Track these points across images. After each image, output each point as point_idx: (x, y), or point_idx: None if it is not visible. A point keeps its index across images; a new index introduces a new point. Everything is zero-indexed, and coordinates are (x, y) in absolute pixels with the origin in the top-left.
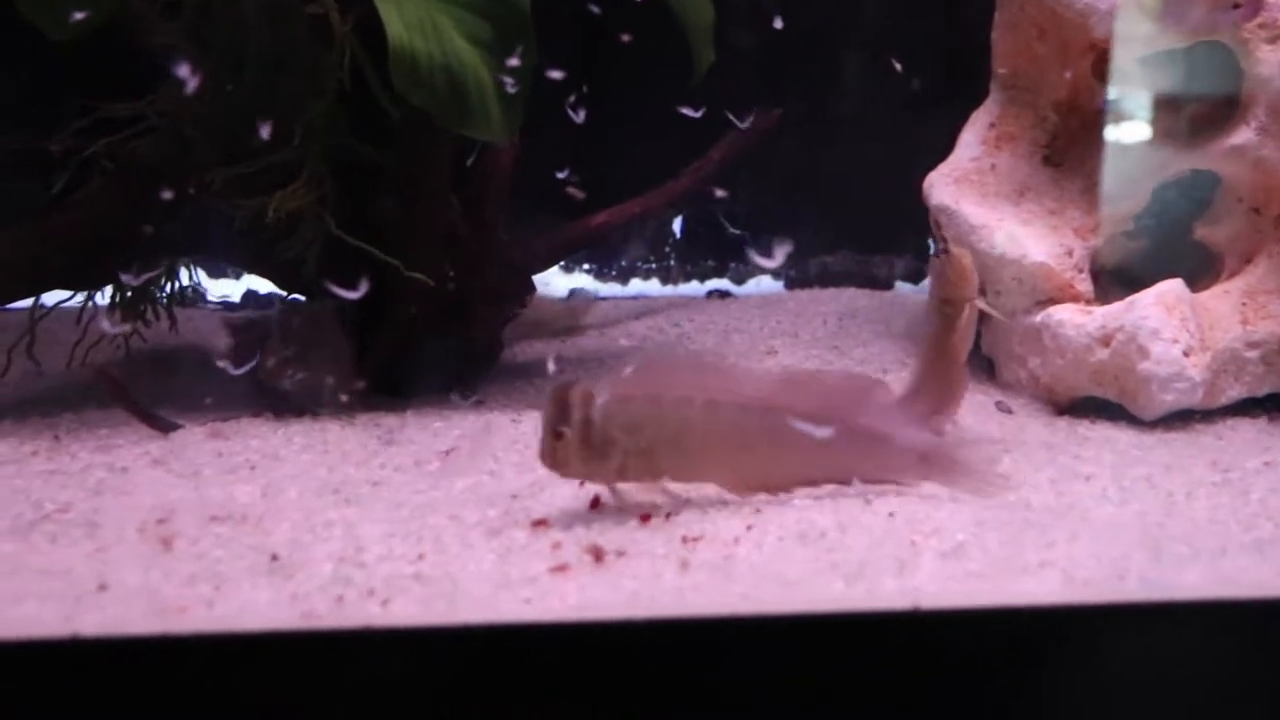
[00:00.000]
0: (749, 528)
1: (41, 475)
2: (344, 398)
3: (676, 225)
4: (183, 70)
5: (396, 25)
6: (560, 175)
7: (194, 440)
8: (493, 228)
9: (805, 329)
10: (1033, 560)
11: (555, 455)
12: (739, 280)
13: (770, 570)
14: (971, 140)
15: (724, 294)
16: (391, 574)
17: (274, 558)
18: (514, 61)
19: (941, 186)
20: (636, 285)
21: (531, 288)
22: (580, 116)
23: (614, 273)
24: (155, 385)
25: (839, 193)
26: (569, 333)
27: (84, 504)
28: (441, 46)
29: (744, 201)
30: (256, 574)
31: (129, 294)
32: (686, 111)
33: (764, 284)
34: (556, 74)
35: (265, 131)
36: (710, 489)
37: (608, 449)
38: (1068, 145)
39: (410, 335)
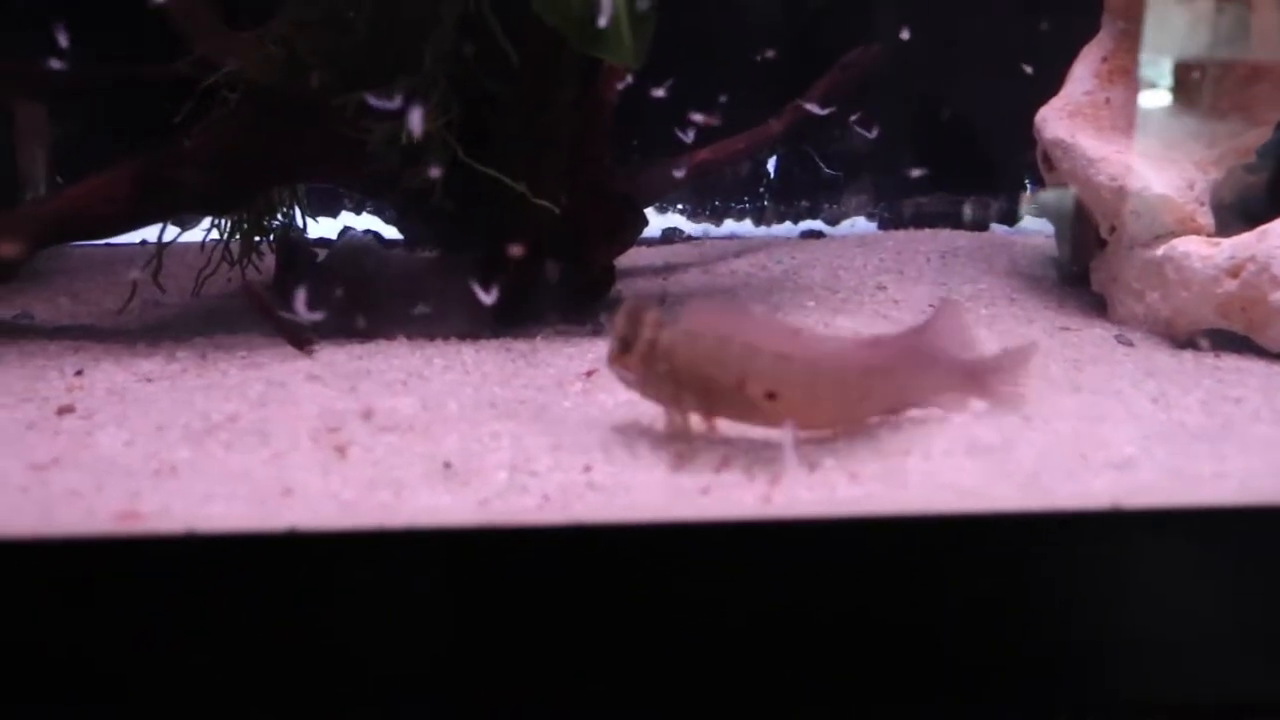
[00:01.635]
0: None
1: (199, 389)
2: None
3: (771, 165)
4: None
5: None
6: (695, 116)
7: (340, 359)
8: (602, 160)
9: (909, 266)
10: (1206, 471)
11: (618, 362)
12: (832, 221)
13: (943, 480)
14: (1084, 74)
15: (818, 234)
16: (565, 482)
17: (447, 465)
18: None
19: (1055, 121)
20: (730, 225)
21: (644, 220)
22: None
23: (707, 213)
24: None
25: (934, 134)
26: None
27: (250, 414)
28: None
29: (839, 142)
30: (433, 480)
31: (245, 225)
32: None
33: (858, 225)
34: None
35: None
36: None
37: (665, 376)
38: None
39: (533, 265)
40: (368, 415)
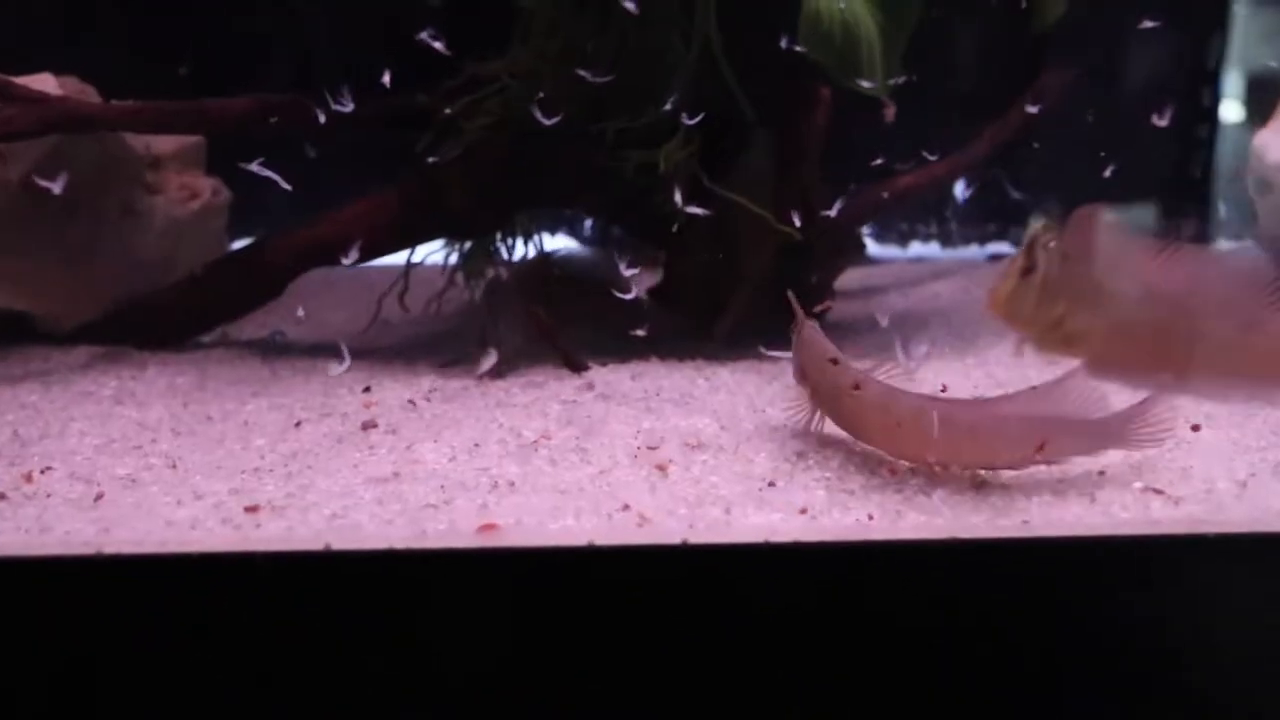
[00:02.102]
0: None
1: (492, 407)
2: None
3: (959, 189)
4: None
5: None
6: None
7: (614, 379)
8: (820, 185)
9: None
10: None
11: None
12: (1019, 243)
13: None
14: None
15: (1004, 257)
16: (884, 500)
17: (771, 484)
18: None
19: (1278, 146)
20: (916, 248)
21: (863, 245)
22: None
23: (894, 236)
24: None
25: (1122, 156)
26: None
27: (561, 433)
28: (841, 2)
29: (1029, 163)
30: (757, 498)
31: (474, 249)
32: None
33: None
34: None
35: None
36: None
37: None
38: None
39: (765, 288)
40: (676, 434)
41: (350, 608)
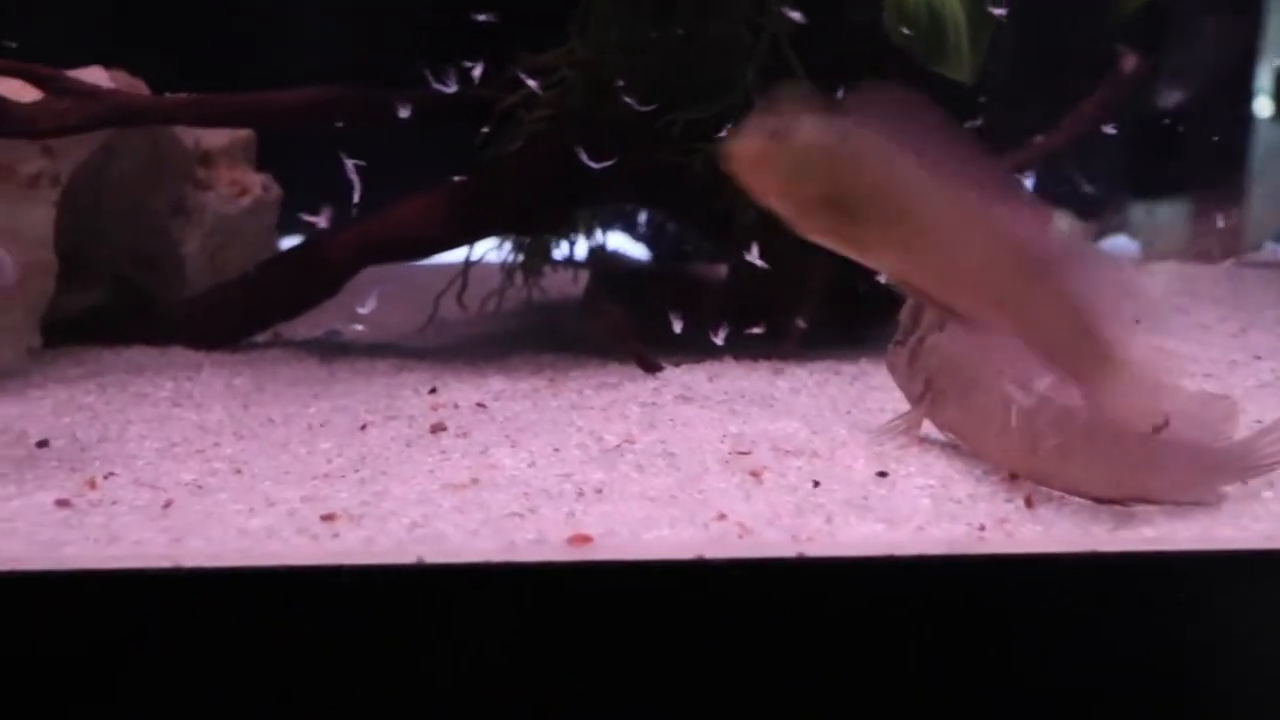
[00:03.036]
0: None
1: (566, 409)
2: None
3: (1028, 182)
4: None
5: None
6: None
7: (691, 380)
8: None
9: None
10: None
11: (889, 358)
12: (1094, 239)
13: None
14: None
15: None
16: (993, 510)
17: (872, 492)
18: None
19: None
20: None
21: None
22: None
23: None
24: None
25: (1194, 152)
26: None
27: (644, 437)
28: None
29: (1101, 158)
30: (859, 507)
31: (533, 246)
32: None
33: (1118, 244)
34: None
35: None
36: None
37: (918, 373)
38: None
39: (836, 287)
40: (766, 439)
41: (442, 624)
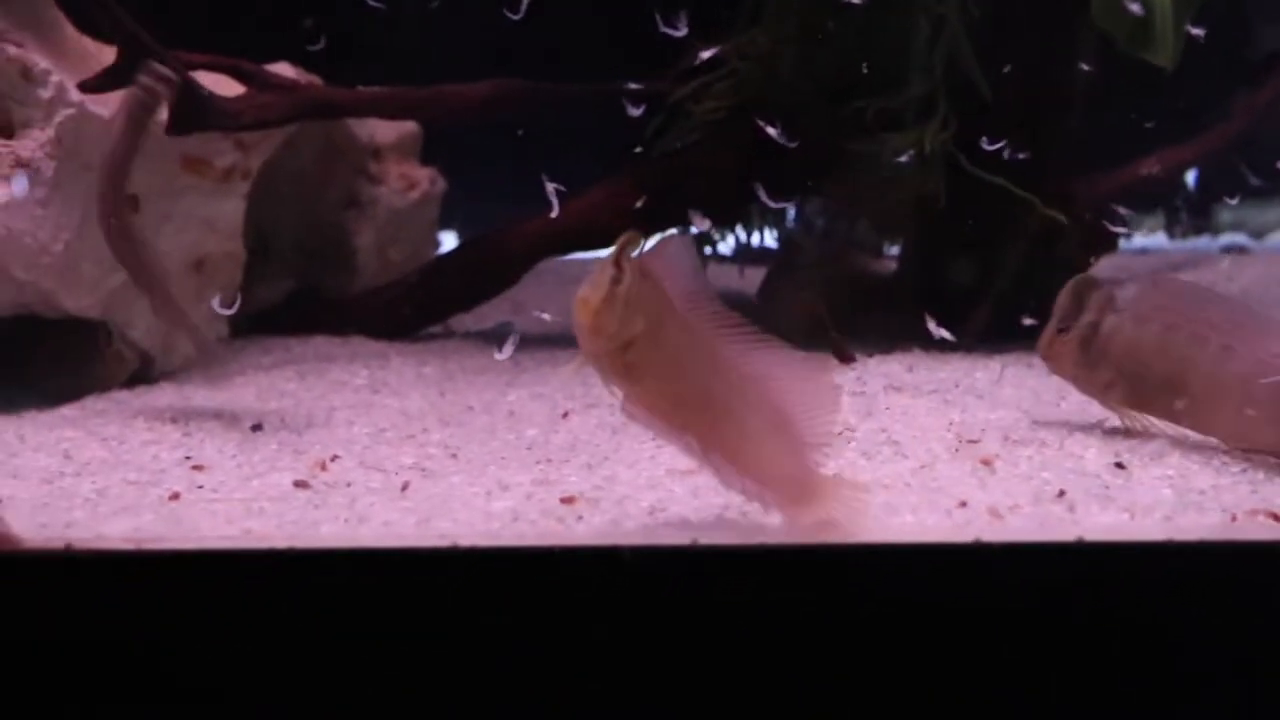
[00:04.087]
0: None
1: None
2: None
3: (1190, 176)
4: None
5: None
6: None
7: (888, 369)
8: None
9: None
10: None
11: (1051, 348)
12: (1258, 235)
13: None
14: None
15: (1241, 249)
16: (1237, 499)
17: (1112, 481)
18: None
19: None
20: (1139, 240)
21: (1114, 237)
22: None
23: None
24: None
25: None
26: None
27: (864, 425)
28: None
29: (1266, 150)
30: (1099, 495)
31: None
32: None
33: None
34: None
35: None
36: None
37: (1100, 361)
38: None
39: (1026, 275)
40: (991, 427)
41: (719, 603)
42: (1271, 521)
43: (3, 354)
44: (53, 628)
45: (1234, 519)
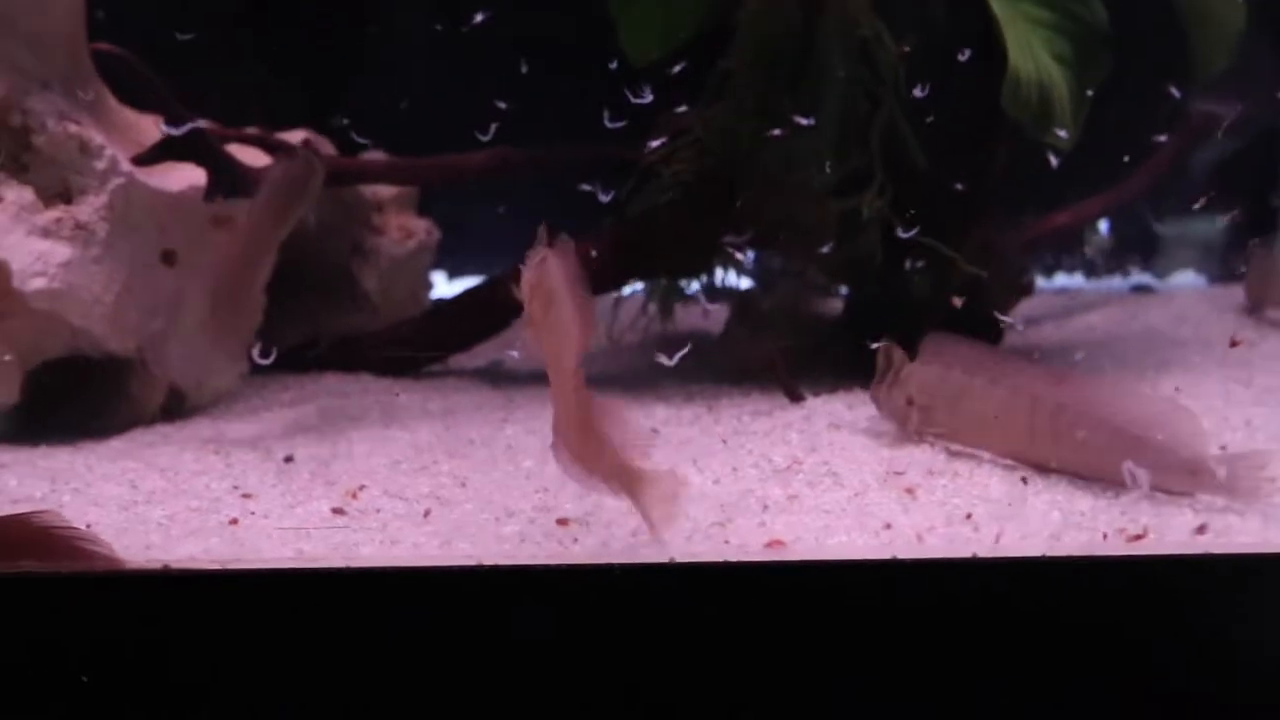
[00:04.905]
0: None
1: (734, 435)
2: None
3: (1102, 221)
4: None
5: (1013, 50)
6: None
7: (832, 407)
8: (994, 223)
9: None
10: None
11: (876, 393)
12: (1161, 275)
13: None
14: None
15: (1146, 289)
16: (1111, 520)
17: (1009, 504)
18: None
19: None
20: (1060, 279)
21: (1031, 281)
22: None
23: (1038, 268)
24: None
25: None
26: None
27: (809, 459)
28: (1036, 65)
29: (1169, 196)
30: (999, 517)
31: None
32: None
33: (1188, 279)
34: None
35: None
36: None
37: (899, 397)
38: None
39: (956, 325)
40: (913, 461)
41: (690, 615)
42: (1133, 540)
43: (35, 395)
44: (156, 638)
45: (1105, 537)
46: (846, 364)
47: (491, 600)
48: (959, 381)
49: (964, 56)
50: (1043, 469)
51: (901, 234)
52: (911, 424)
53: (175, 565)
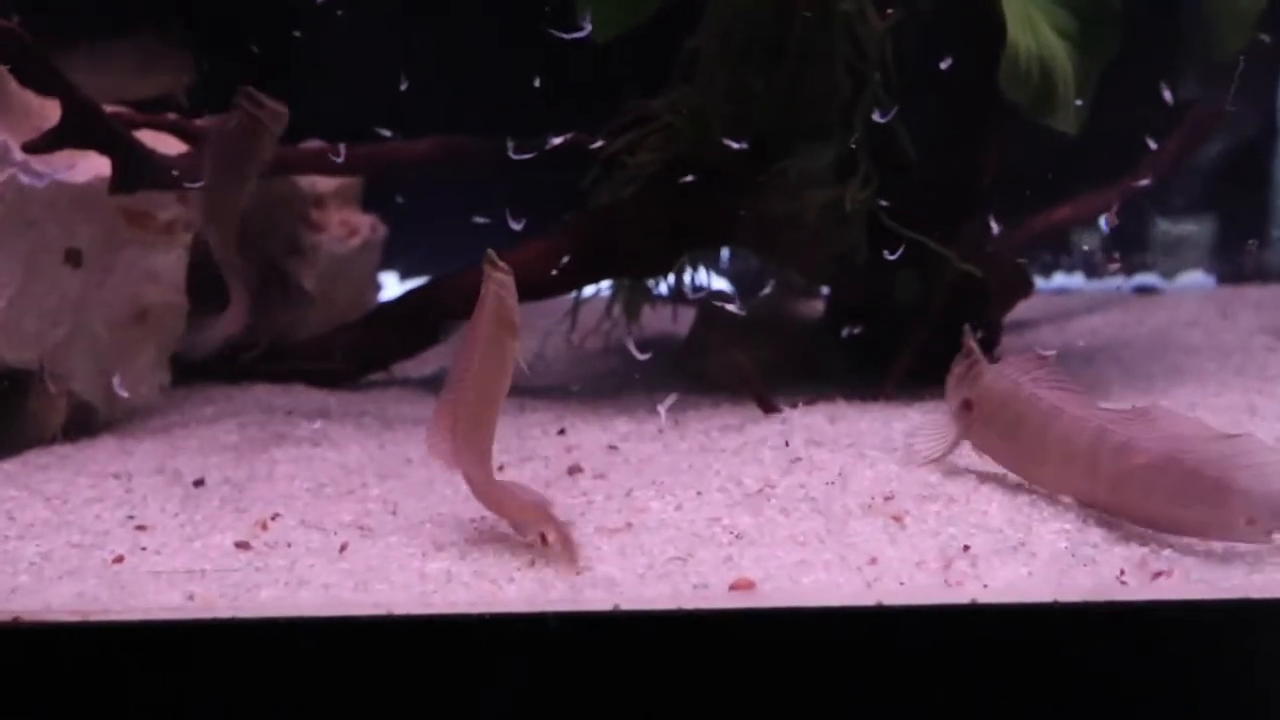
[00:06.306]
0: None
1: (699, 452)
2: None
3: (1103, 219)
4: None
5: (1012, 23)
6: None
7: (811, 421)
8: (988, 222)
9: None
10: None
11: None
12: (1168, 276)
13: None
14: None
15: (1151, 289)
16: (1129, 555)
17: (1011, 535)
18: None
19: None
20: (1059, 279)
21: (1031, 281)
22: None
23: (1036, 267)
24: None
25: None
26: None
27: (783, 480)
28: (1037, 40)
29: (1177, 194)
30: (1002, 551)
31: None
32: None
33: (1196, 279)
34: None
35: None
36: None
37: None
38: None
39: (942, 328)
40: (901, 484)
41: (638, 671)
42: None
43: None
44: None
45: (1122, 574)
46: (827, 371)
47: (401, 656)
48: (1025, 407)
49: (957, 31)
50: (1108, 515)
51: (887, 224)
52: (961, 427)
53: (27, 617)
